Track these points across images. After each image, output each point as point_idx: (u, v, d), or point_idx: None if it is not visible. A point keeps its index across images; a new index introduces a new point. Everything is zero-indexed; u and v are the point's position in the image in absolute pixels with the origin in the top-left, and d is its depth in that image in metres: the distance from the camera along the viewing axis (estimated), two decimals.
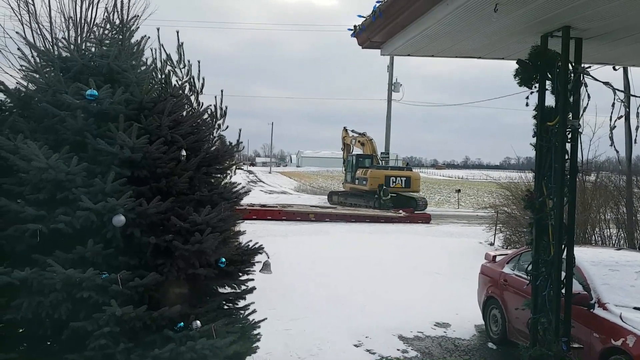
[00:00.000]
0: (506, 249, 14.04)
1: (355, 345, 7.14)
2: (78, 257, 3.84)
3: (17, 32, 4.40)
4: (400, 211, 24.99)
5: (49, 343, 4.09)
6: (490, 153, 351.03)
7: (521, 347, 5.52)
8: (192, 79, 5.50)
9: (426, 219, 24.38)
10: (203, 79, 5.41)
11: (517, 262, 7.47)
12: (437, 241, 17.55)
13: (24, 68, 4.62)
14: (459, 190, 38.77)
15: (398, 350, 7.07)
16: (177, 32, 5.35)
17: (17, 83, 4.55)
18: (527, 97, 5.26)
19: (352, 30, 5.63)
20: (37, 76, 4.54)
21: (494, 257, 8.26)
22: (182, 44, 5.33)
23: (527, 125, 5.36)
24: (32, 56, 4.62)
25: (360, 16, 5.40)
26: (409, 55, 5.98)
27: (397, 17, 4.96)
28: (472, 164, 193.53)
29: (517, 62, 5.23)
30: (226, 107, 5.35)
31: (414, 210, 26.78)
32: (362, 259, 13.59)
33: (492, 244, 16.40)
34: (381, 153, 33.26)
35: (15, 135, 4.03)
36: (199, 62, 5.46)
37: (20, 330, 4.07)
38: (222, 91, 5.44)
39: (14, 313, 3.66)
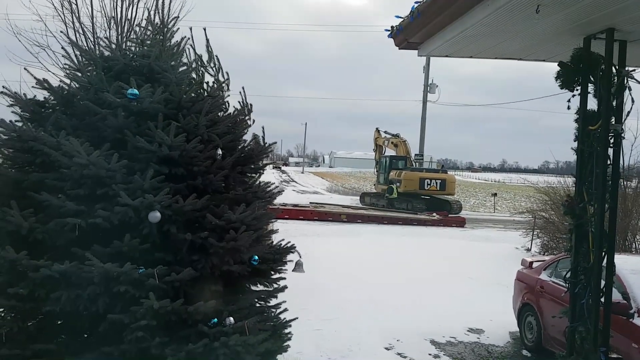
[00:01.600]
0: (543, 255, 13.74)
1: (386, 348, 7.09)
2: (115, 252, 3.92)
3: (61, 32, 4.51)
4: (434, 214, 24.74)
5: (86, 335, 4.19)
6: (528, 156, 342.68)
7: (558, 356, 5.39)
8: (218, 77, 5.49)
9: (460, 223, 24.06)
10: (227, 73, 5.36)
11: (554, 269, 7.30)
12: (472, 245, 17.30)
13: (67, 66, 4.75)
14: (495, 194, 38.11)
15: (430, 355, 7.00)
16: (205, 30, 5.31)
17: (60, 81, 4.68)
18: (569, 101, 5.12)
19: (389, 31, 5.58)
20: (80, 74, 4.66)
21: (531, 263, 8.10)
22: (208, 40, 5.29)
23: (567, 129, 5.23)
24: (75, 55, 4.74)
25: (397, 17, 5.35)
26: (447, 56, 5.90)
27: (436, 17, 4.90)
28: (509, 168, 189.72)
29: (558, 65, 5.10)
30: (251, 105, 5.34)
31: (448, 213, 26.47)
32: (393, 261, 13.50)
33: (528, 250, 16.07)
34: (415, 155, 32.95)
35: (58, 131, 4.15)
36: (217, 57, 5.36)
37: (59, 322, 4.19)
38: (243, 88, 5.38)
39: (54, 305, 3.77)
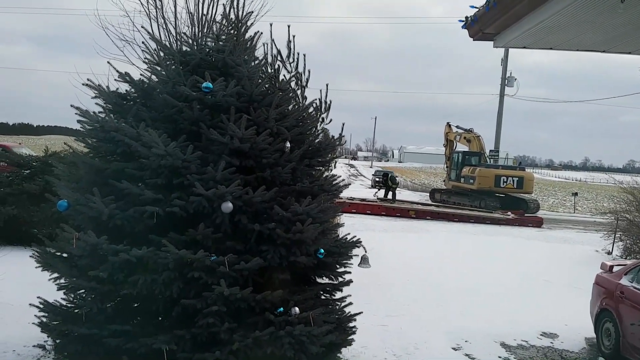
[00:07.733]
0: (625, 258, 12.95)
1: (454, 349, 6.94)
2: (190, 240, 4.08)
3: (142, 27, 4.72)
4: (509, 213, 23.85)
5: (160, 318, 4.39)
6: (611, 154, 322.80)
7: None
8: (298, 74, 5.62)
9: (537, 223, 23.05)
10: (309, 72, 5.51)
11: (636, 274, 6.86)
12: (548, 247, 16.58)
13: (147, 60, 4.97)
14: (575, 194, 36.26)
15: (499, 357, 6.77)
16: (289, 27, 5.47)
17: (140, 75, 4.90)
18: None
19: (463, 21, 5.42)
20: (159, 69, 4.87)
21: (611, 267, 7.65)
22: (294, 37, 5.44)
23: None
24: (156, 49, 4.94)
25: (472, 7, 5.19)
26: (524, 47, 5.66)
27: (513, 7, 4.71)
28: (592, 166, 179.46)
29: None
30: (330, 101, 5.43)
31: (524, 212, 25.43)
32: (464, 260, 13.17)
33: (609, 253, 15.18)
34: (490, 151, 31.82)
35: (138, 123, 4.36)
36: (304, 55, 5.55)
37: (135, 305, 4.41)
38: (327, 85, 5.50)
39: (131, 288, 3.97)
